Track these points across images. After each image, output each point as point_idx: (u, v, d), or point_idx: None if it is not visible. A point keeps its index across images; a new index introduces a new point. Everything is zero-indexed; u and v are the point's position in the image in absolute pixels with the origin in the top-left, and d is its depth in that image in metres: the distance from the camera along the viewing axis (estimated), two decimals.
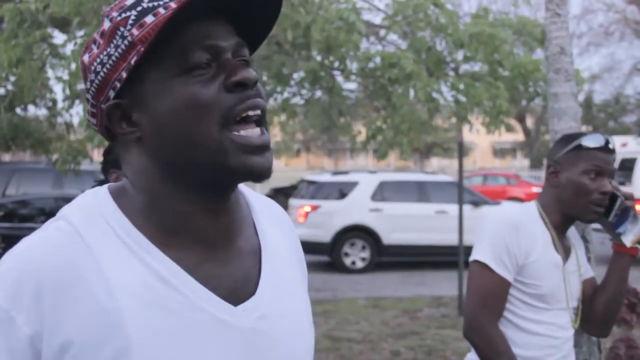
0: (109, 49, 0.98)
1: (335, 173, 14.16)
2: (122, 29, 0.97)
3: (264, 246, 1.09)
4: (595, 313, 2.39)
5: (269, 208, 1.18)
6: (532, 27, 8.57)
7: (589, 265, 2.50)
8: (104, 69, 0.99)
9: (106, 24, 1.00)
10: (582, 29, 28.80)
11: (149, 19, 0.95)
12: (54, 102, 9.65)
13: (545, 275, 2.24)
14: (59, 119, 10.36)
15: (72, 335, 0.90)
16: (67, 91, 7.48)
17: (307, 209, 12.11)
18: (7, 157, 15.12)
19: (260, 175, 0.98)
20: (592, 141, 2.24)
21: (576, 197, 2.25)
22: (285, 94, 8.32)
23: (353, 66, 7.92)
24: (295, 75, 8.07)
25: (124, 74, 0.97)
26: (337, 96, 8.00)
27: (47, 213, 9.39)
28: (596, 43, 29.01)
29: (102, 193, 1.02)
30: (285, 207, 13.12)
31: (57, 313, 0.90)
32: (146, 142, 0.99)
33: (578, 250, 2.40)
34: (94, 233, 0.96)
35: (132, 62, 0.96)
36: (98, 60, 0.99)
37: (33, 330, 0.89)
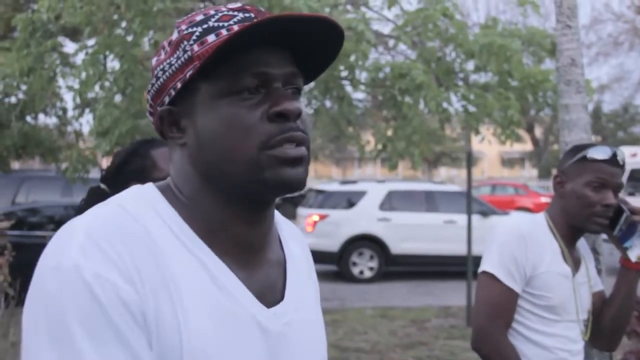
0: (171, 59, 1.05)
1: (344, 182, 14.15)
2: (185, 42, 1.03)
3: (288, 259, 1.15)
4: (603, 327, 2.38)
5: (287, 224, 1.24)
6: (542, 38, 8.58)
7: (599, 277, 2.49)
8: (164, 76, 1.05)
9: (175, 35, 1.07)
10: (591, 39, 28.76)
11: (211, 38, 1.02)
12: (64, 110, 9.71)
13: (555, 287, 2.24)
14: (69, 128, 10.42)
15: (151, 298, 0.93)
16: (78, 100, 7.52)
17: (316, 218, 12.10)
18: (16, 165, 15.18)
19: (293, 187, 1.02)
20: (597, 153, 2.24)
21: (579, 208, 2.25)
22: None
23: (362, 76, 7.95)
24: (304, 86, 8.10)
25: (179, 84, 1.03)
26: (347, 106, 8.02)
27: (57, 221, 9.41)
28: (605, 53, 28.99)
29: (150, 188, 1.07)
30: (294, 216, 13.12)
31: (140, 275, 0.93)
32: (189, 149, 1.05)
33: (588, 262, 2.39)
34: (147, 220, 0.99)
35: (188, 75, 1.02)
36: (161, 66, 1.06)
37: (133, 289, 0.91)
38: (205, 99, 1.02)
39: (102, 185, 2.25)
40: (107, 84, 7.31)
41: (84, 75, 7.03)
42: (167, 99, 1.05)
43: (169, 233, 1.00)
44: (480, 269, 2.27)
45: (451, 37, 7.92)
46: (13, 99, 9.67)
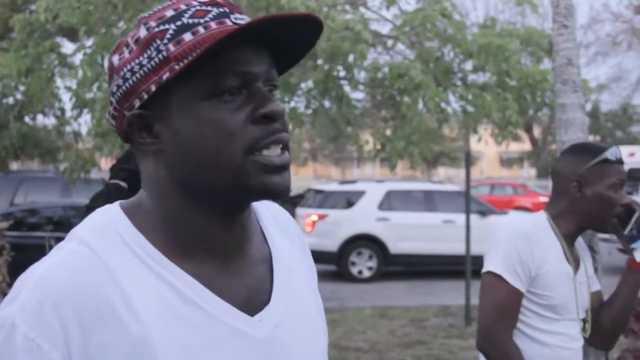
0: (141, 59, 0.97)
1: (343, 182, 14.16)
2: (158, 41, 0.96)
3: (274, 253, 1.10)
4: (602, 326, 2.38)
5: (273, 213, 1.18)
6: (540, 38, 8.59)
7: (596, 276, 2.49)
8: (133, 78, 0.98)
9: (142, 32, 0.99)
10: (589, 38, 28.77)
11: (187, 36, 0.95)
12: (63, 111, 9.72)
13: (558, 286, 2.23)
14: (67, 128, 10.43)
15: (97, 357, 0.89)
16: (76, 100, 7.53)
17: (315, 218, 12.10)
18: (15, 166, 15.18)
19: (278, 194, 0.99)
20: (614, 154, 2.25)
21: (602, 211, 2.24)
22: (293, 103, 8.35)
23: (360, 76, 7.95)
24: (303, 85, 8.10)
25: (153, 87, 0.96)
26: (346, 106, 8.02)
27: (55, 222, 9.42)
28: (603, 53, 29.00)
29: (114, 211, 1.01)
30: (293, 216, 13.10)
31: (83, 337, 0.89)
32: (165, 156, 0.99)
33: (586, 261, 2.39)
34: (110, 252, 0.95)
35: (164, 77, 0.95)
36: (128, 66, 0.98)
37: (61, 357, 0.88)
38: (183, 102, 0.96)
39: (122, 183, 2.25)
40: (105, 84, 7.31)
41: (81, 75, 7.03)
42: (137, 103, 0.98)
43: (134, 260, 0.96)
44: (484, 269, 2.25)
45: (449, 37, 7.93)
46: (11, 100, 9.68)
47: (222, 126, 0.95)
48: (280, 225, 1.17)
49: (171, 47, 0.95)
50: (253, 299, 1.03)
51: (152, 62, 0.96)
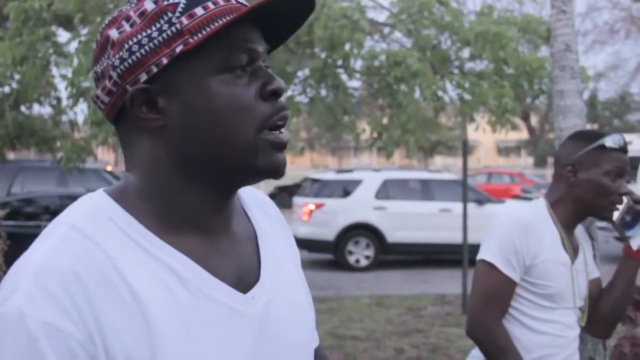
0: (149, 31, 0.96)
1: (340, 171, 14.14)
2: (170, 14, 0.96)
3: (259, 233, 1.11)
4: (600, 314, 2.37)
5: (252, 194, 1.19)
6: (537, 25, 8.56)
7: (595, 264, 2.48)
8: (142, 51, 0.96)
9: (148, 5, 0.97)
10: (587, 26, 28.73)
11: (199, 11, 0.95)
12: (59, 100, 9.68)
13: (555, 275, 2.22)
14: (64, 117, 10.40)
15: (110, 337, 0.88)
16: (70, 89, 7.49)
17: (311, 207, 12.10)
18: (11, 156, 15.15)
19: (281, 172, 1.01)
20: (613, 142, 2.23)
21: (597, 197, 2.23)
22: (290, 92, 8.33)
23: (357, 64, 7.92)
24: (299, 74, 8.07)
25: (165, 60, 0.95)
26: (342, 94, 7.99)
27: (52, 211, 9.41)
28: (601, 41, 28.96)
29: (100, 196, 1.00)
30: (290, 205, 13.12)
31: (95, 317, 0.88)
32: (168, 132, 0.98)
33: (586, 248, 2.38)
34: (103, 235, 0.94)
35: (177, 50, 0.95)
36: (135, 39, 0.96)
37: (83, 336, 0.86)
38: (194, 76, 0.96)
39: None
40: None
41: (76, 63, 7.00)
42: (144, 76, 0.96)
43: (128, 242, 0.95)
44: (478, 257, 2.24)
45: (446, 24, 7.90)
46: (7, 89, 9.65)
47: (237, 101, 0.97)
48: (261, 206, 1.18)
49: (184, 20, 0.95)
50: (243, 278, 1.03)
51: (164, 35, 0.96)
